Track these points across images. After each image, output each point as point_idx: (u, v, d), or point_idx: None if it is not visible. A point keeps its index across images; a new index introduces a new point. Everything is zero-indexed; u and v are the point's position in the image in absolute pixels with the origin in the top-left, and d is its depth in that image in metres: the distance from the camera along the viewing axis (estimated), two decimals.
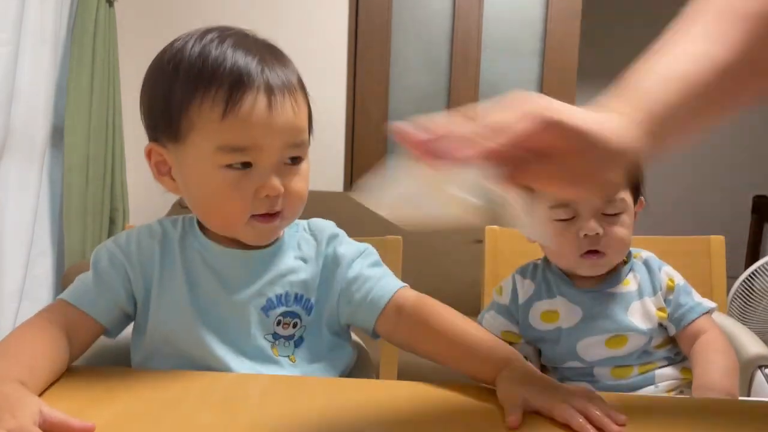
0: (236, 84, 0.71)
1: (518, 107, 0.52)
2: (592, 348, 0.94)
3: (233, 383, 0.70)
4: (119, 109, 2.33)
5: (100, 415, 0.59)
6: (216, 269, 0.78)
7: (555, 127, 0.52)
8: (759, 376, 0.95)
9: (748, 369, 0.96)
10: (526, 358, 0.99)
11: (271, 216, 0.75)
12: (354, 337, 0.90)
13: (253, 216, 0.74)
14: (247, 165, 0.73)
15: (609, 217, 0.92)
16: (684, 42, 0.58)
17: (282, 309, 0.78)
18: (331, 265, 0.82)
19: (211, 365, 0.75)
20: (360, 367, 0.86)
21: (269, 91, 0.72)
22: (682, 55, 0.57)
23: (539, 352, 1.01)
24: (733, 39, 0.57)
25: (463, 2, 2.61)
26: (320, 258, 0.83)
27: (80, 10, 2.15)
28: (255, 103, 0.71)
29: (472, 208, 0.51)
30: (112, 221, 2.32)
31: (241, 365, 0.76)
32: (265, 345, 0.78)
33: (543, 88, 2.59)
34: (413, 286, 0.81)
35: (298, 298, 0.80)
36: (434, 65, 2.68)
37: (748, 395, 0.95)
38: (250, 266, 0.79)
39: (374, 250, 0.86)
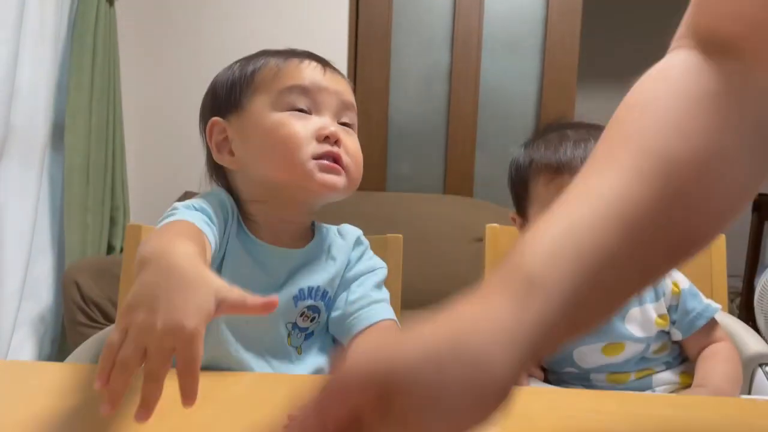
0: (292, 54, 0.83)
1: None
2: (589, 355, 0.93)
3: (235, 382, 0.70)
4: (120, 108, 2.32)
5: (100, 415, 0.59)
6: (254, 255, 0.79)
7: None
8: (759, 374, 0.94)
9: (748, 367, 0.96)
10: None
11: (333, 166, 0.77)
12: None
13: (316, 160, 0.76)
14: (306, 113, 0.78)
15: None
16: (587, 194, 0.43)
17: (310, 302, 0.80)
18: (350, 267, 0.85)
19: (223, 345, 0.76)
20: None
21: (324, 62, 0.82)
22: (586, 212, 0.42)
23: None
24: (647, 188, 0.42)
25: (463, 2, 2.61)
26: (345, 258, 0.85)
27: (80, 9, 2.15)
28: (310, 64, 0.81)
29: None
30: (112, 220, 2.31)
31: (250, 346, 0.76)
32: (283, 333, 0.79)
33: (543, 87, 2.57)
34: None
35: (323, 294, 0.81)
36: (434, 65, 2.67)
37: (749, 393, 0.95)
38: (289, 259, 0.80)
39: (385, 272, 0.87)
